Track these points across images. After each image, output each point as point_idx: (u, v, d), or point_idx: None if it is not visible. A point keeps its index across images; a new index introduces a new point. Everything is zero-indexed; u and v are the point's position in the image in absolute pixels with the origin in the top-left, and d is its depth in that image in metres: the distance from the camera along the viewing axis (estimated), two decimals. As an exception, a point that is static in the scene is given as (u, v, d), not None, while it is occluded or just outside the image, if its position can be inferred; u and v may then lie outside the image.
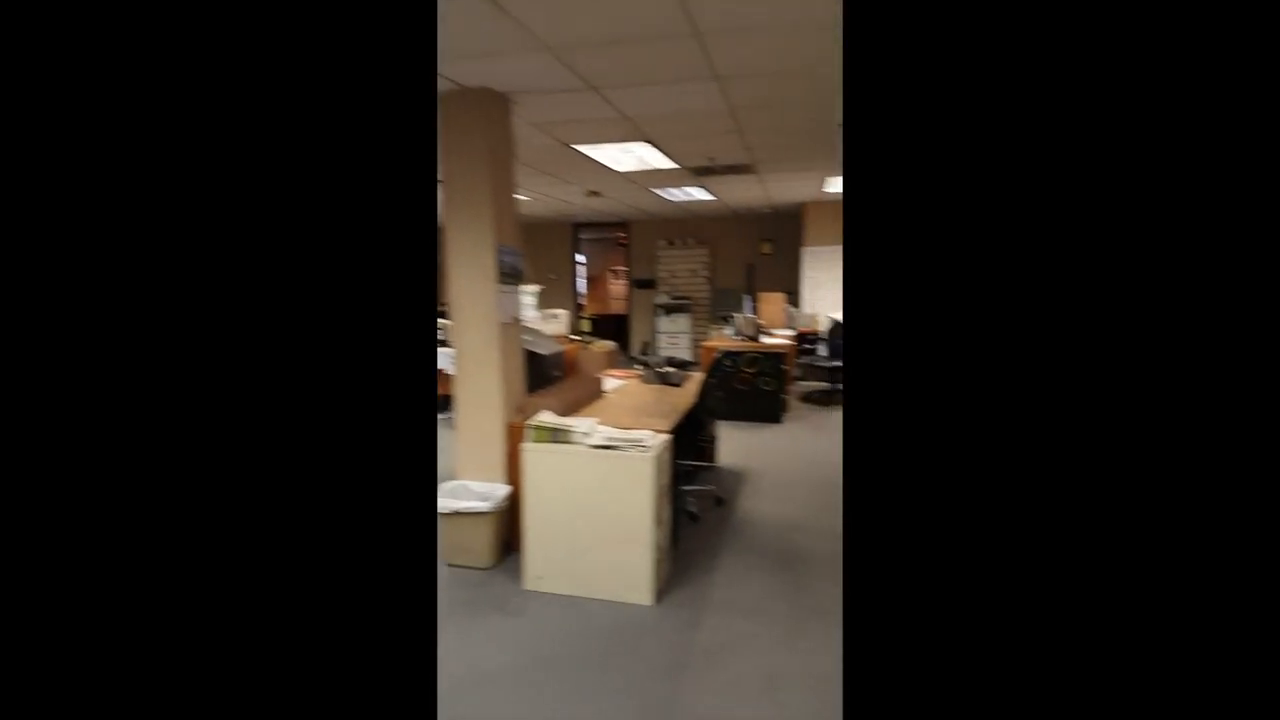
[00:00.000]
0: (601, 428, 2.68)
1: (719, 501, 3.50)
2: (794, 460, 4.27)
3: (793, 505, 3.46)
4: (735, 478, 3.92)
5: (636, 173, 4.93)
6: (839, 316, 6.54)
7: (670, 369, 3.86)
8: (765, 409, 5.30)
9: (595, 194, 6.18)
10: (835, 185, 5.83)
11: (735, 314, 6.21)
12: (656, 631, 2.29)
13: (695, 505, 3.39)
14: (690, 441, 3.52)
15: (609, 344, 5.02)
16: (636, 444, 2.51)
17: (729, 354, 5.31)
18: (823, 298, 7.35)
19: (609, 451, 2.47)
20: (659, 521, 2.50)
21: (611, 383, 3.81)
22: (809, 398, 6.24)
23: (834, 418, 5.48)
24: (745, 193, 6.37)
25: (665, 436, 2.65)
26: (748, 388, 5.30)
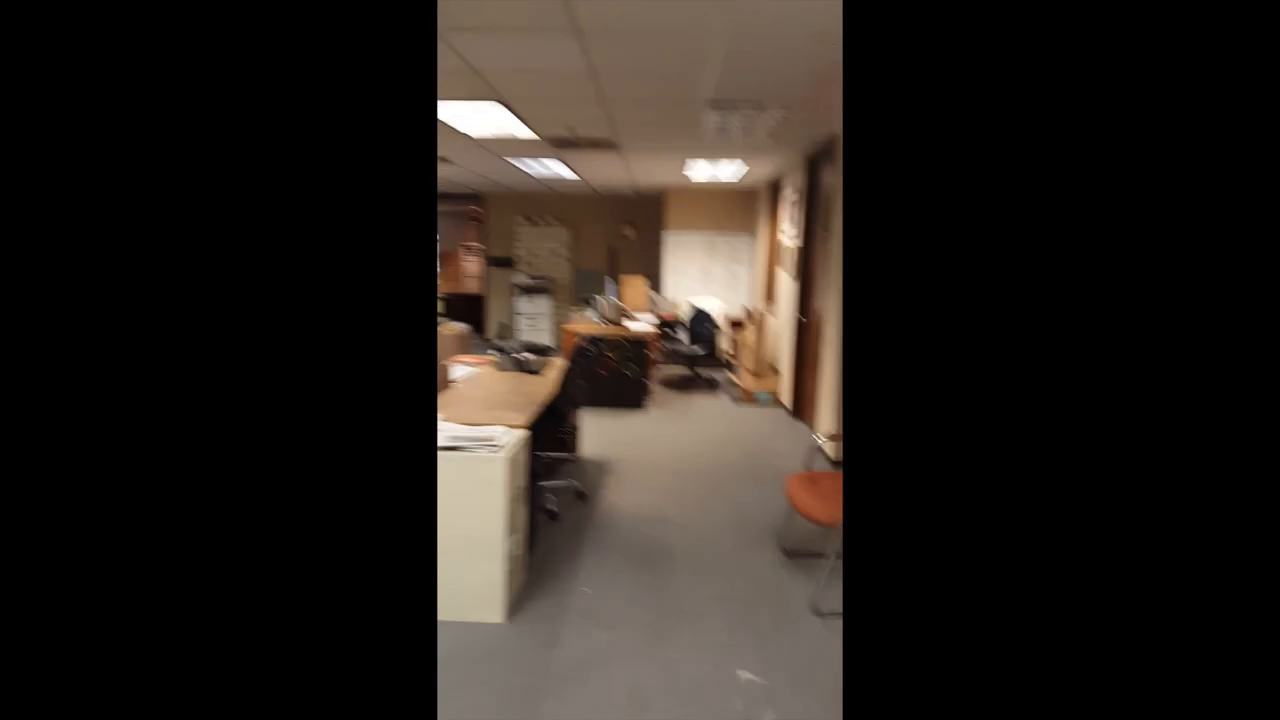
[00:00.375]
0: (447, 424, 2.34)
1: (581, 496, 3.29)
2: (657, 448, 4.18)
3: (655, 496, 3.34)
4: (598, 469, 3.73)
5: (489, 139, 4.51)
6: (699, 302, 6.60)
7: (528, 355, 3.57)
8: (628, 396, 5.18)
9: (443, 160, 5.62)
10: (696, 170, 5.82)
11: (598, 297, 6.02)
12: (509, 653, 2.03)
13: (555, 502, 3.15)
14: (550, 434, 3.27)
15: (461, 326, 4.58)
16: (487, 443, 2.20)
17: (592, 339, 5.10)
18: (684, 283, 7.40)
19: (454, 453, 2.14)
20: (513, 529, 2.23)
21: (461, 370, 3.43)
22: (669, 383, 6.24)
23: (695, 404, 5.51)
24: (608, 172, 6.17)
25: (522, 432, 2.37)
26: (611, 374, 5.14)
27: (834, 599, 2.36)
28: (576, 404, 3.27)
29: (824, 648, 2.09)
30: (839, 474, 2.63)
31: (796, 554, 2.72)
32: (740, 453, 4.13)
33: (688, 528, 2.97)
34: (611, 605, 2.31)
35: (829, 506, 2.29)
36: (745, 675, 1.94)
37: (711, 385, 6.21)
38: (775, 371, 5.82)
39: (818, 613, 2.28)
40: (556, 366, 3.57)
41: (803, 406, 4.99)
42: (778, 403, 5.54)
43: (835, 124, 3.75)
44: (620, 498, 3.32)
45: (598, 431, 4.51)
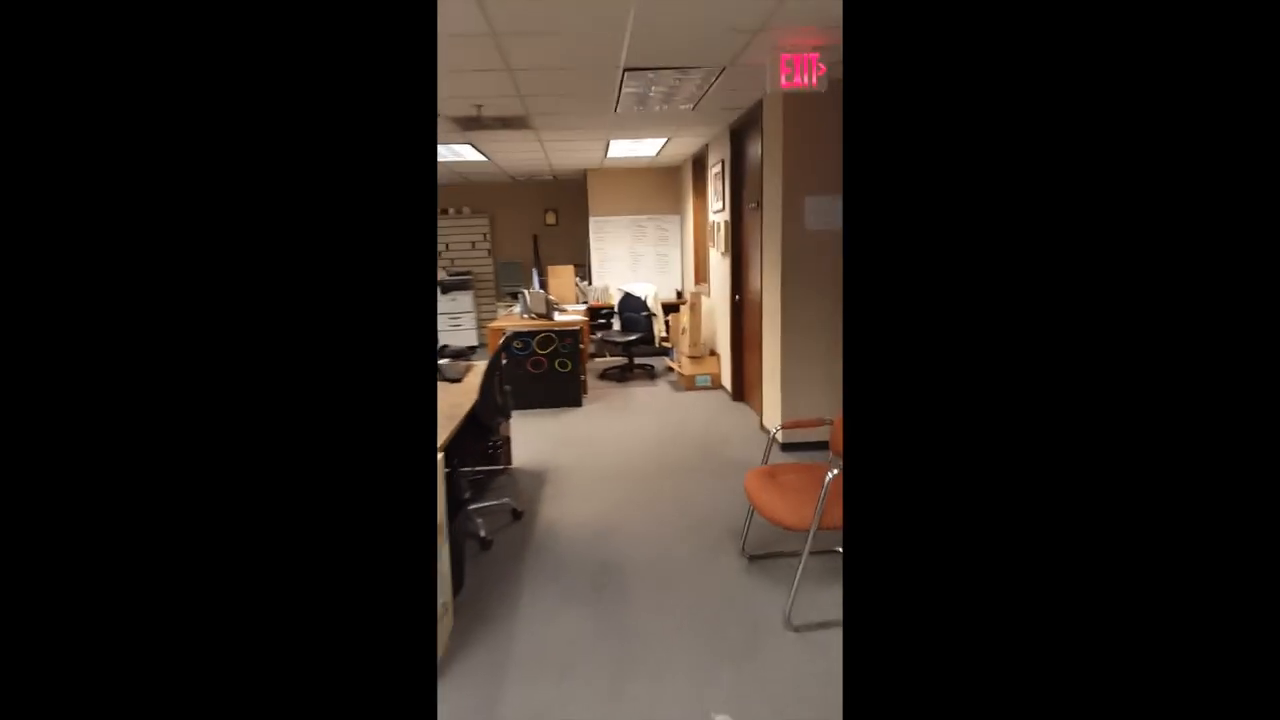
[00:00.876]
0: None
1: (516, 515, 2.94)
2: (598, 448, 3.88)
3: (601, 505, 3.04)
4: (534, 480, 3.39)
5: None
6: (631, 288, 6.31)
7: (443, 360, 3.16)
8: (564, 392, 4.84)
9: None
10: (619, 149, 5.49)
11: (525, 290, 5.62)
12: (440, 728, 1.69)
13: (485, 526, 2.79)
14: (475, 449, 2.90)
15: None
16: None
17: (519, 335, 4.72)
18: (612, 270, 7.08)
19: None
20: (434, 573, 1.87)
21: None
22: (606, 375, 5.94)
23: (634, 394, 5.23)
24: (523, 156, 5.74)
25: (437, 456, 2.00)
26: (543, 371, 4.78)
27: (807, 609, 2.14)
28: (504, 412, 2.91)
29: (802, 668, 1.87)
30: (800, 466, 2.41)
31: (761, 557, 2.49)
32: (687, 444, 3.89)
33: (639, 538, 2.69)
34: (560, 647, 2.00)
35: (795, 507, 2.06)
36: (720, 719, 1.68)
37: (650, 373, 5.95)
38: (714, 354, 5.62)
39: (791, 627, 2.06)
40: (479, 371, 3.19)
41: (745, 388, 4.81)
42: (718, 385, 5.35)
43: (766, 85, 3.51)
44: (561, 511, 3.00)
45: (532, 435, 4.16)
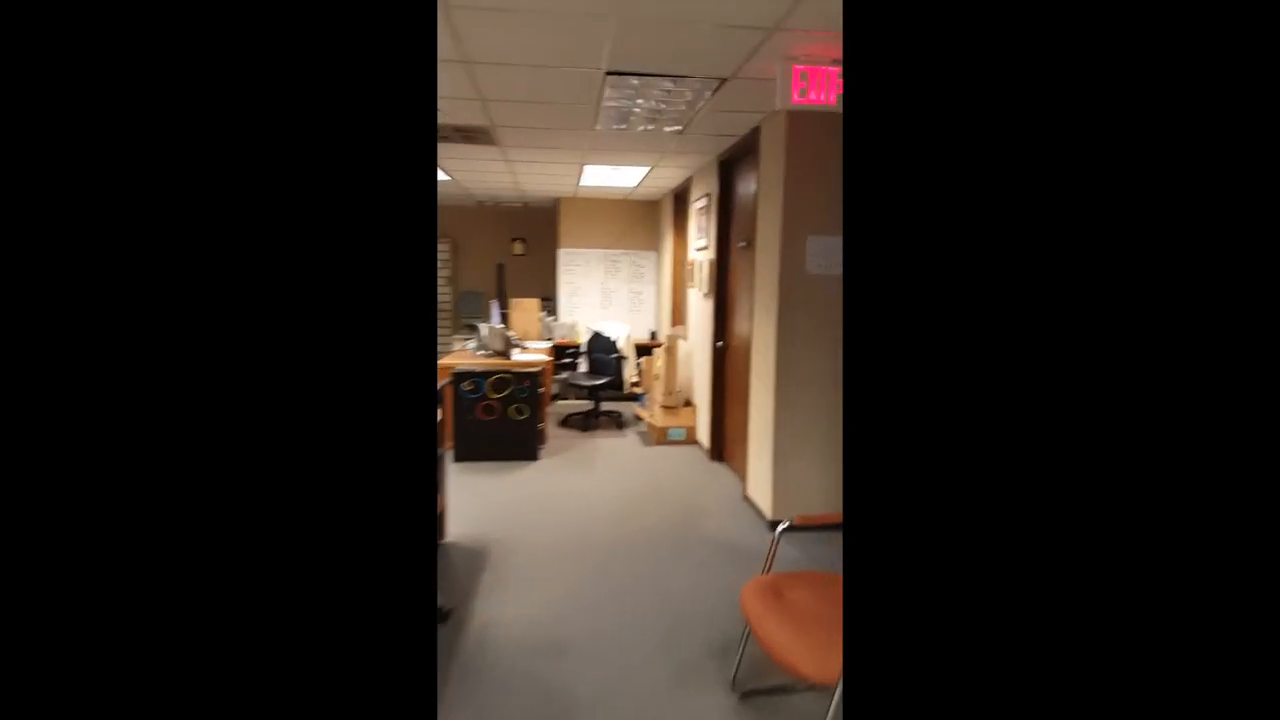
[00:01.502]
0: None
1: (442, 616, 2.30)
2: (554, 516, 3.27)
3: (552, 600, 2.43)
4: (471, 560, 2.76)
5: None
6: (600, 327, 5.79)
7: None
8: (518, 445, 4.23)
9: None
10: (595, 176, 5.03)
11: (482, 324, 5.04)
12: None
13: (399, 634, 2.15)
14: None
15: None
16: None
17: (469, 375, 4.12)
18: (582, 305, 6.56)
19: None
20: None
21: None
22: (568, 421, 5.34)
23: (599, 446, 4.64)
24: (490, 178, 5.23)
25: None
26: (496, 418, 4.17)
27: (822, 780, 1.57)
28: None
29: None
30: (813, 577, 1.86)
31: (756, 694, 1.91)
32: (659, 515, 3.31)
33: (597, 654, 2.08)
34: None
35: (816, 648, 1.50)
36: None
37: (617, 421, 5.38)
38: (689, 404, 5.09)
39: (806, 818, 1.47)
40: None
41: (725, 447, 4.27)
42: (693, 440, 4.81)
43: (776, 100, 3.07)
44: (501, 609, 2.37)
45: (476, 497, 3.52)
